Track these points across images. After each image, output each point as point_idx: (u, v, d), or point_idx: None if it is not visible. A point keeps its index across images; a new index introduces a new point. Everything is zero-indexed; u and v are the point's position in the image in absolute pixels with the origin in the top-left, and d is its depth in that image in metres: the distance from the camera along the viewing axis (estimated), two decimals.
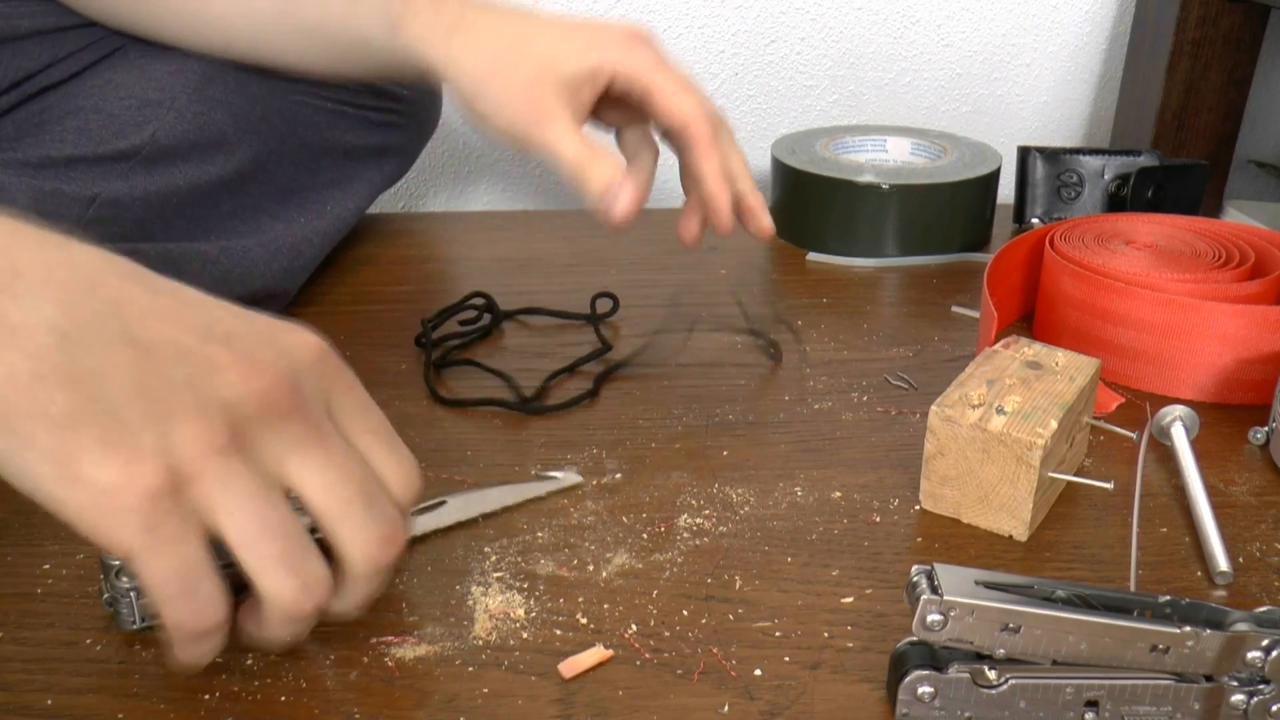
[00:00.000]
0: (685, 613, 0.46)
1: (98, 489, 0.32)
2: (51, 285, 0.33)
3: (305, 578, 0.36)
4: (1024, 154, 0.91)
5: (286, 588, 0.35)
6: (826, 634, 0.44)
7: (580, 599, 0.46)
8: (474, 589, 0.47)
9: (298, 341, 0.37)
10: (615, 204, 0.55)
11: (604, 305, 0.75)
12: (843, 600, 0.46)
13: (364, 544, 0.37)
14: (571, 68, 0.56)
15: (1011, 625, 0.37)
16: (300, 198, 0.74)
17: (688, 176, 0.60)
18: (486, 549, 0.50)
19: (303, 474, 0.36)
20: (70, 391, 0.32)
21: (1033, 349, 0.56)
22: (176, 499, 0.33)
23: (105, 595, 0.43)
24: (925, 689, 0.38)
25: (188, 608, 0.34)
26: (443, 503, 0.51)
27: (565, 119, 0.56)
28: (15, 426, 0.32)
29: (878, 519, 0.52)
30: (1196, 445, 0.56)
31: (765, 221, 0.60)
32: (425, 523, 0.50)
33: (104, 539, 0.33)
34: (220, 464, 0.33)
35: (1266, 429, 0.58)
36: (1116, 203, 0.89)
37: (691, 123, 0.57)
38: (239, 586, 0.36)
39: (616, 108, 0.60)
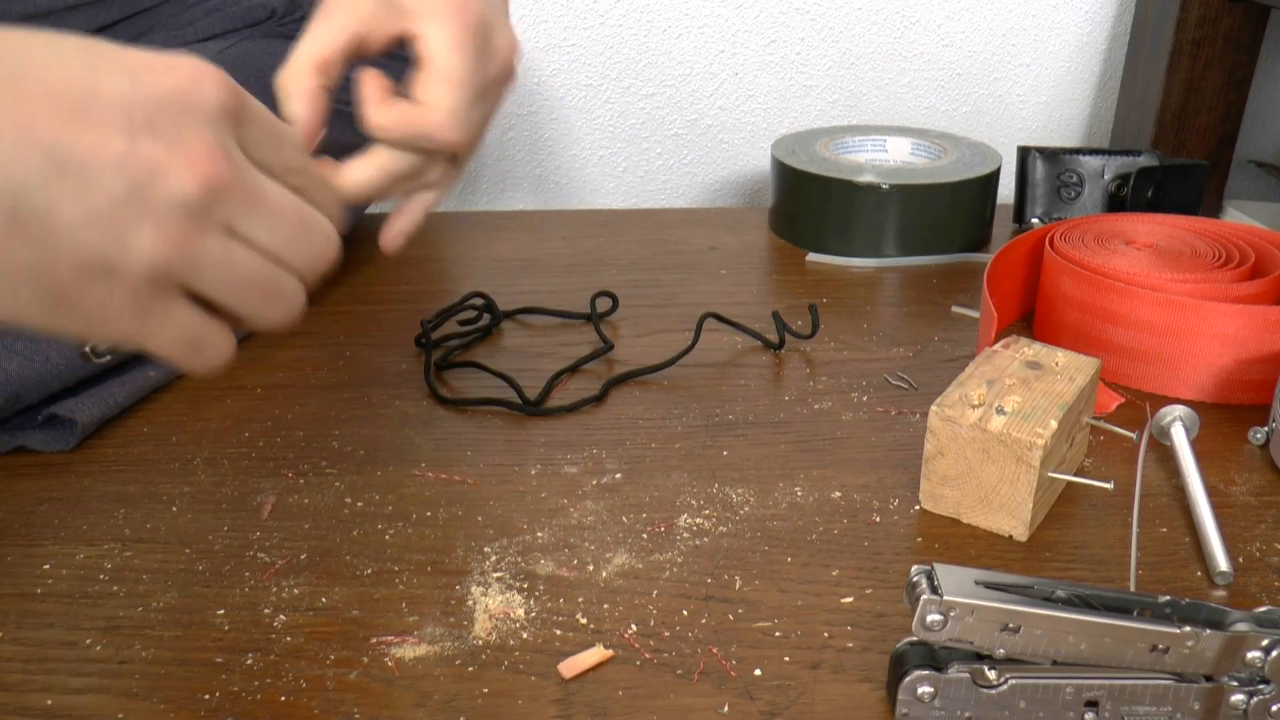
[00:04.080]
0: (685, 613, 0.46)
1: (83, 314, 0.34)
2: None
3: (286, 300, 0.39)
4: (1024, 154, 0.91)
5: (277, 314, 0.39)
6: (826, 634, 0.44)
7: (580, 599, 0.46)
8: (474, 589, 0.47)
9: (205, 91, 0.35)
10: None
11: (604, 305, 0.75)
12: (843, 600, 0.46)
13: (312, 271, 0.40)
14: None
15: (1011, 625, 0.37)
16: None
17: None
18: (486, 549, 0.50)
19: (251, 232, 0.37)
20: (24, 241, 0.33)
21: (1033, 349, 0.56)
22: (154, 295, 0.35)
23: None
24: (925, 689, 0.38)
25: (199, 360, 0.38)
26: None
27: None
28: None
29: (878, 519, 0.52)
30: (1196, 445, 0.56)
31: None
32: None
33: (101, 343, 0.36)
34: (185, 256, 0.35)
35: (1266, 429, 0.58)
36: (1116, 203, 0.89)
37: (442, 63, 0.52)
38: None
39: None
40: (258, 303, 0.38)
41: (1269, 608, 0.38)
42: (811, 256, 0.86)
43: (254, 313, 0.38)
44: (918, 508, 0.53)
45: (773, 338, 0.70)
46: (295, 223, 0.38)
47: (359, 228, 0.91)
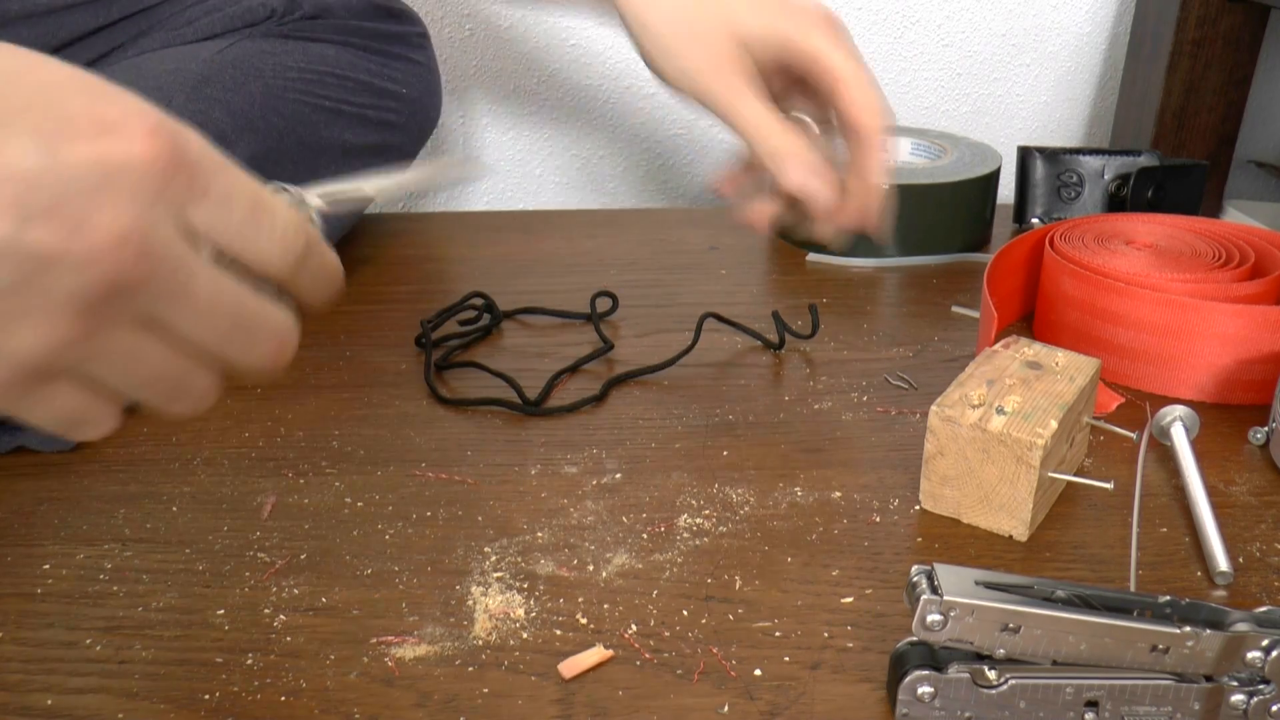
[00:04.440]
0: (685, 613, 0.46)
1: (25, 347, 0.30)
2: None
3: (197, 396, 0.34)
4: (1024, 154, 0.91)
5: (182, 409, 0.34)
6: (826, 634, 0.44)
7: (580, 599, 0.46)
8: (474, 589, 0.47)
9: (136, 163, 0.29)
10: (816, 195, 0.56)
11: (603, 304, 0.75)
12: (843, 600, 0.46)
13: (251, 369, 0.35)
14: (758, 33, 0.56)
15: (1011, 625, 0.37)
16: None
17: (851, 168, 0.59)
18: (486, 549, 0.50)
19: (171, 326, 0.32)
20: None
21: (1033, 349, 0.56)
22: (32, 384, 0.30)
23: None
24: (925, 689, 0.38)
25: (77, 434, 0.33)
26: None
27: (747, 83, 0.56)
28: None
29: (878, 519, 0.52)
30: (1196, 445, 0.56)
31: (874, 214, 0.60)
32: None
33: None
34: (74, 352, 0.30)
35: (1266, 429, 0.58)
36: (1116, 203, 0.89)
37: (874, 122, 0.57)
38: None
39: (788, 85, 0.60)
40: (161, 397, 0.33)
41: (1269, 608, 0.38)
42: (811, 256, 0.86)
43: (155, 404, 0.33)
44: (918, 508, 0.53)
45: (773, 338, 0.70)
46: (231, 321, 0.33)
47: (359, 227, 0.91)
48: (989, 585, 0.37)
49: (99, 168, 0.29)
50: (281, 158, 0.73)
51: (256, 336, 0.34)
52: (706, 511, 0.53)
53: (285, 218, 0.34)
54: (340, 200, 0.40)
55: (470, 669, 0.42)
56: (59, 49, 0.69)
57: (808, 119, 0.61)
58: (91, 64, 0.70)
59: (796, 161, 0.56)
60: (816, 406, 0.63)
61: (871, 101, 0.57)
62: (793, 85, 0.60)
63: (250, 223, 0.33)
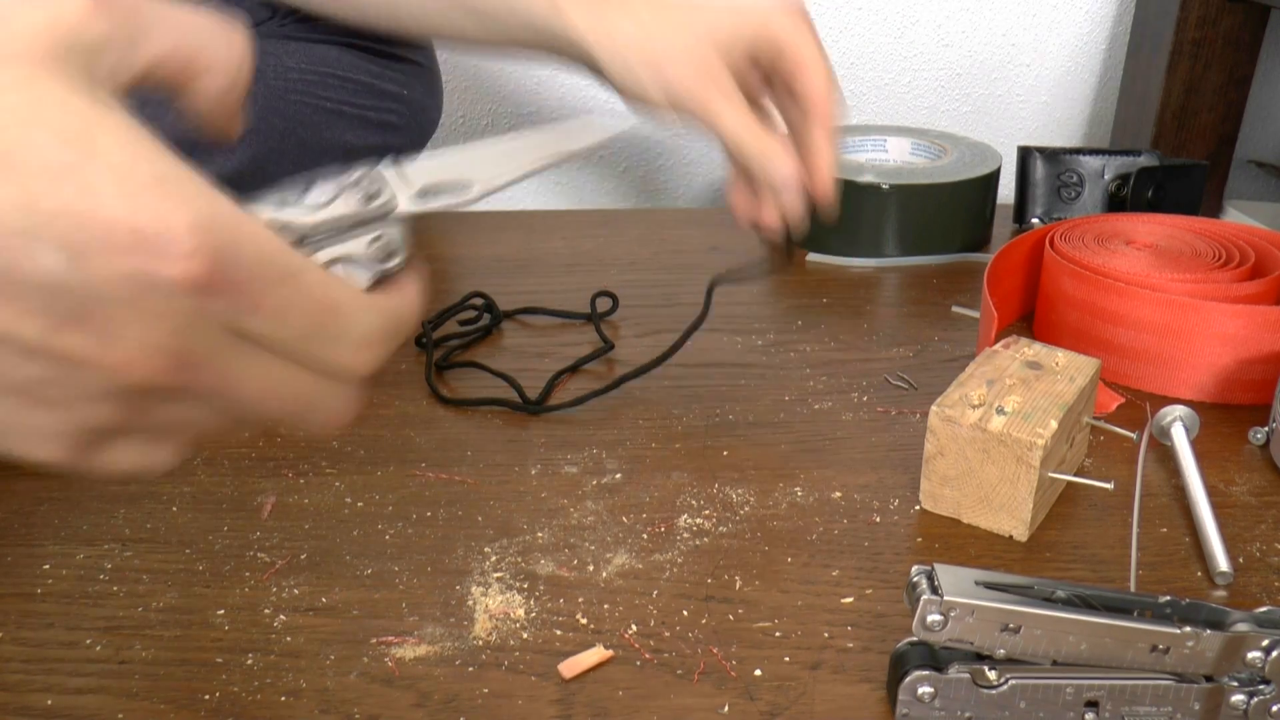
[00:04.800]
0: (685, 613, 0.46)
1: (46, 450, 0.30)
2: None
3: (324, 412, 0.33)
4: (1024, 154, 0.91)
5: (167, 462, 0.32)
6: (826, 634, 0.44)
7: (580, 599, 0.46)
8: (474, 589, 0.47)
9: (167, 275, 0.27)
10: (788, 193, 0.57)
11: (603, 304, 0.75)
12: (843, 600, 0.46)
13: (313, 431, 0.33)
14: (728, 32, 0.56)
15: (1011, 625, 0.37)
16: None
17: (802, 148, 0.59)
18: (486, 549, 0.50)
19: (209, 410, 0.31)
20: None
21: (1033, 349, 0.56)
22: (65, 456, 0.30)
23: None
24: (925, 689, 0.38)
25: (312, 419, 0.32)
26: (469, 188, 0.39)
27: (724, 90, 0.56)
28: None
29: (878, 519, 0.52)
30: (1196, 445, 0.56)
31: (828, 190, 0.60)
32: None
33: None
34: (102, 444, 0.30)
35: (1266, 429, 0.58)
36: (1116, 203, 0.89)
37: (830, 107, 0.57)
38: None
39: (761, 79, 0.60)
40: (222, 434, 0.32)
41: (1269, 608, 0.38)
42: (812, 256, 0.86)
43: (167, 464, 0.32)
44: (918, 508, 0.53)
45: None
46: (286, 405, 0.32)
47: None
48: (989, 585, 0.37)
49: (130, 284, 0.27)
50: (282, 159, 0.73)
51: (315, 412, 0.32)
52: (706, 511, 0.53)
53: (365, 323, 0.32)
54: (439, 200, 0.37)
55: (470, 669, 0.42)
56: None
57: (772, 108, 0.61)
58: None
59: (780, 163, 0.56)
60: (816, 406, 0.63)
61: (829, 87, 0.57)
62: (764, 78, 0.60)
63: (317, 334, 0.31)
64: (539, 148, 0.39)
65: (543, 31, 0.62)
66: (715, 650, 0.43)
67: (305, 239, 0.33)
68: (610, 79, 0.59)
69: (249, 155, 0.69)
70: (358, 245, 0.35)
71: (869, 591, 0.47)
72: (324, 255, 0.34)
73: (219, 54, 0.33)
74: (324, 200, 0.34)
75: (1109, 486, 0.51)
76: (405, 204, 0.36)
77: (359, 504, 0.53)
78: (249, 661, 0.43)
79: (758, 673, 0.42)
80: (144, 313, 0.28)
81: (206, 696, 0.41)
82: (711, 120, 0.56)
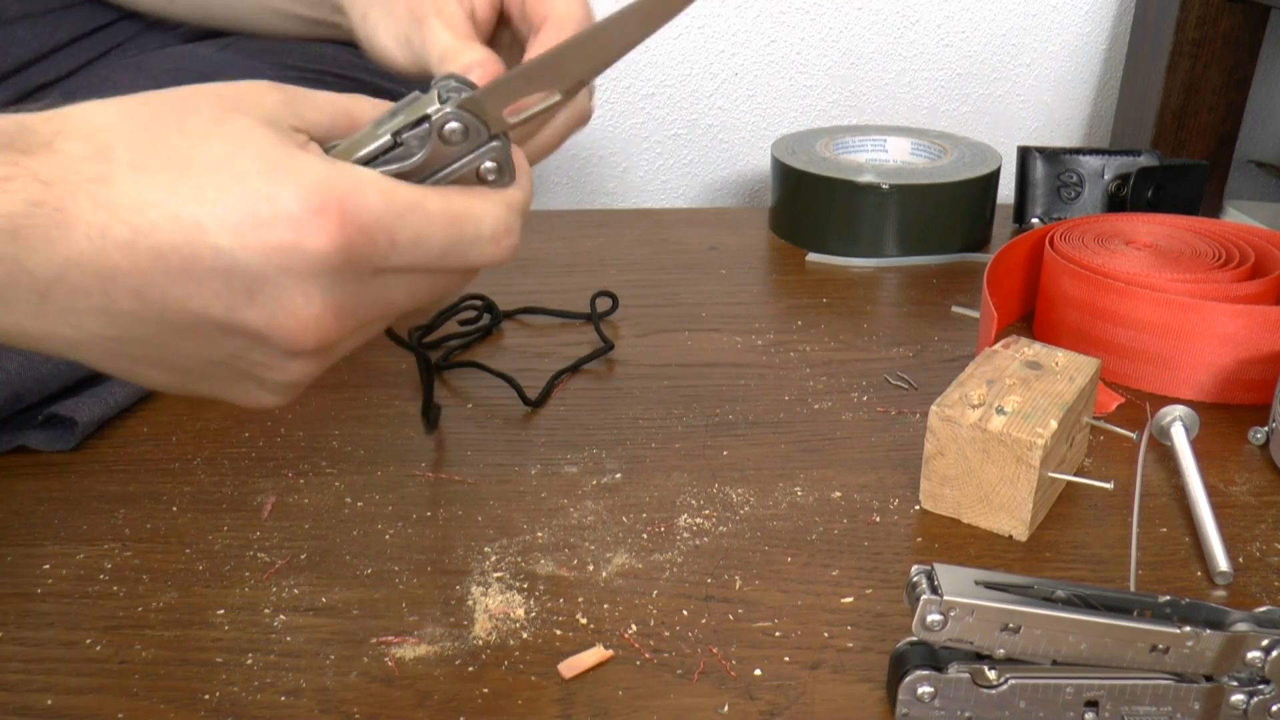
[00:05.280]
0: (685, 613, 0.46)
1: (270, 402, 0.38)
2: (80, 297, 0.33)
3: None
4: (1024, 154, 0.91)
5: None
6: (826, 634, 0.44)
7: (580, 599, 0.46)
8: (474, 589, 0.47)
9: (308, 247, 0.33)
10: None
11: (603, 304, 0.75)
12: (843, 600, 0.46)
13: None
14: None
15: (1011, 625, 0.37)
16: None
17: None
18: (486, 549, 0.50)
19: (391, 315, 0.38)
20: (164, 371, 0.35)
21: (1033, 349, 0.56)
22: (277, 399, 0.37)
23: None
24: (925, 689, 0.38)
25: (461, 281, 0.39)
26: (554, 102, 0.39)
27: (444, 21, 0.50)
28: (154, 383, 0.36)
29: (878, 519, 0.52)
30: (1196, 445, 0.56)
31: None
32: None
33: None
34: (304, 387, 0.37)
35: (1266, 429, 0.58)
36: (1116, 203, 0.89)
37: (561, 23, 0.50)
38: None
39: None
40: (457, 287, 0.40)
41: (1269, 608, 0.38)
42: (811, 256, 0.86)
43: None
44: (918, 508, 0.53)
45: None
46: (435, 304, 0.39)
47: None
48: (989, 585, 0.37)
49: (279, 256, 0.32)
50: None
51: (466, 283, 0.39)
52: (706, 511, 0.53)
53: (491, 219, 0.37)
54: (529, 117, 0.39)
55: (470, 669, 0.42)
56: (60, 48, 0.69)
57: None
58: (92, 63, 0.70)
59: (459, 60, 0.49)
60: (816, 406, 0.63)
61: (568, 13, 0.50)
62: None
63: (453, 247, 0.36)
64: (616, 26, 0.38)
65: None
66: (715, 650, 0.43)
67: (419, 175, 0.37)
68: (366, 45, 0.55)
69: None
70: (467, 168, 0.38)
71: (869, 591, 0.47)
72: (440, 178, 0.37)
73: None
74: (420, 144, 0.37)
75: (1109, 486, 0.51)
76: (496, 124, 0.38)
77: (359, 504, 0.53)
78: (249, 661, 0.43)
79: (757, 673, 0.42)
80: (295, 281, 0.33)
81: (206, 696, 0.41)
82: (425, 48, 0.50)
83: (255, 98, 0.35)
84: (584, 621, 0.45)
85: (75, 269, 0.32)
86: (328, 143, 0.38)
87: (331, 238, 0.33)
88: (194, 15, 0.71)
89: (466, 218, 0.36)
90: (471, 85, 0.38)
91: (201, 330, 0.34)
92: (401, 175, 0.36)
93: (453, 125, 0.37)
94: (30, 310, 0.32)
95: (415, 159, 0.37)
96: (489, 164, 0.38)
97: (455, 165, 0.38)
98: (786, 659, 0.43)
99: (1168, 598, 0.38)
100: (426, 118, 0.37)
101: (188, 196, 0.32)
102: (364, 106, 0.39)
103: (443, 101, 0.37)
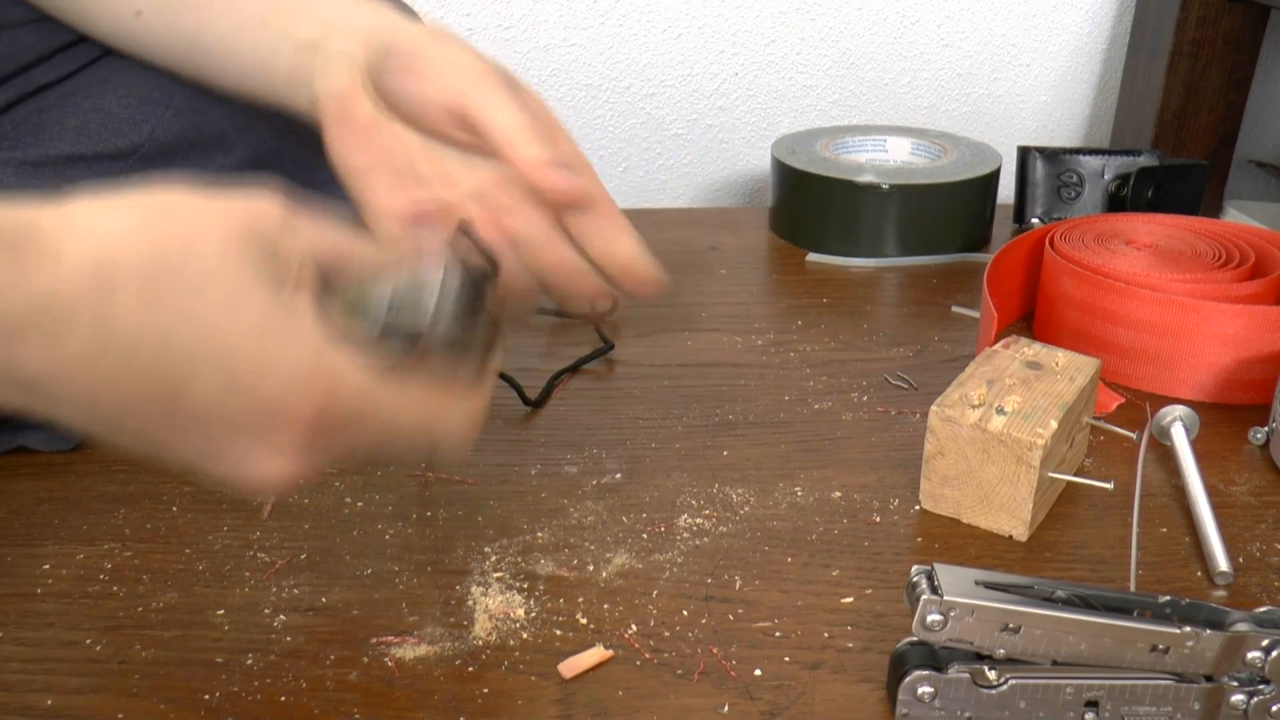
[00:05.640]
0: (685, 613, 0.46)
1: (267, 484, 0.37)
2: (67, 380, 0.34)
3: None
4: (1024, 154, 0.91)
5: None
6: (826, 634, 0.44)
7: (580, 599, 0.46)
8: (474, 589, 0.47)
9: (293, 407, 0.35)
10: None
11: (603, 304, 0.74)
12: (843, 600, 0.46)
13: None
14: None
15: (1011, 625, 0.37)
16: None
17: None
18: (486, 549, 0.50)
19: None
20: (161, 429, 0.36)
21: (1033, 349, 0.56)
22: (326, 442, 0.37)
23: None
24: (925, 689, 0.38)
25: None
26: None
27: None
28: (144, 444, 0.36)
29: (878, 519, 0.52)
30: (1196, 445, 0.56)
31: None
32: None
33: None
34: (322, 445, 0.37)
35: (1266, 429, 0.58)
36: (1116, 203, 0.89)
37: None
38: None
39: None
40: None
41: (1269, 608, 0.38)
42: (811, 256, 0.86)
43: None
44: (918, 508, 0.53)
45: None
46: (412, 444, 0.39)
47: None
48: (989, 585, 0.37)
49: (256, 421, 0.35)
50: (281, 158, 0.73)
51: (439, 443, 0.40)
52: (706, 511, 0.53)
53: (460, 419, 0.40)
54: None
55: (470, 669, 0.42)
56: (59, 51, 0.69)
57: None
58: (93, 63, 0.70)
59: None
60: (816, 406, 0.63)
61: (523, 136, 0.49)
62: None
63: (418, 441, 0.39)
64: None
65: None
66: (715, 650, 0.43)
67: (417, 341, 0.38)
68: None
69: (248, 154, 0.69)
70: (469, 336, 0.39)
71: (869, 591, 0.47)
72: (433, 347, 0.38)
73: None
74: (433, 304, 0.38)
75: (1109, 486, 0.51)
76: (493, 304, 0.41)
77: (359, 504, 0.53)
78: (249, 661, 0.43)
79: (757, 673, 0.42)
80: (271, 445, 0.35)
81: (206, 696, 0.41)
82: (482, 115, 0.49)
83: (261, 227, 0.37)
84: (584, 621, 0.45)
85: (64, 382, 0.33)
86: (326, 271, 0.38)
87: (309, 417, 0.35)
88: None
89: (436, 419, 0.39)
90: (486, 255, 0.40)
91: (179, 455, 0.36)
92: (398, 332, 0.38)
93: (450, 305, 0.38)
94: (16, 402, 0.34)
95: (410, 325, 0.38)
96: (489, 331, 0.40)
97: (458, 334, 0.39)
98: (786, 659, 0.43)
99: (1168, 598, 0.38)
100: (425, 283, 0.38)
101: (180, 349, 0.33)
102: (364, 248, 0.41)
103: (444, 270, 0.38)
